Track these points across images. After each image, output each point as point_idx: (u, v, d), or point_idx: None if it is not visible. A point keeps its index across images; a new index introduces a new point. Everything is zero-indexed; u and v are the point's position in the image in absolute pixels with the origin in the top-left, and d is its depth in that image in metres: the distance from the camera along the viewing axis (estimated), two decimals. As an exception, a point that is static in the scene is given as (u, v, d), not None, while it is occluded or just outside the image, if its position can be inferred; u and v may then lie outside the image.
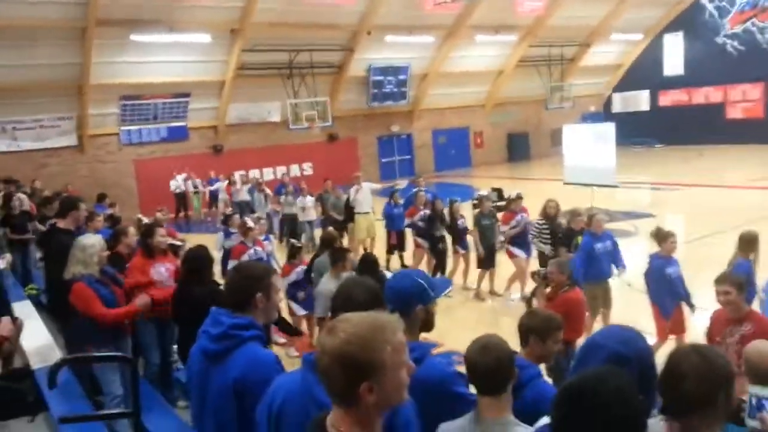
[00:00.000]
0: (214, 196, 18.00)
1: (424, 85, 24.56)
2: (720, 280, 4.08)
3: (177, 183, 18.21)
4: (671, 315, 5.75)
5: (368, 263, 5.49)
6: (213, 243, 7.88)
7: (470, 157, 27.62)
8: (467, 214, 10.17)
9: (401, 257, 10.64)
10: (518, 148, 28.42)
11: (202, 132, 20.51)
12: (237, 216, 8.96)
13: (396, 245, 10.56)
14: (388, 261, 10.53)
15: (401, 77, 23.38)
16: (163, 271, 5.10)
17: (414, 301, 2.27)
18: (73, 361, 4.26)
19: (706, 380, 1.67)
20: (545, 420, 1.97)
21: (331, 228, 8.99)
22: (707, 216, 12.70)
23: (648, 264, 6.02)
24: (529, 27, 24.41)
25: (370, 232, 11.27)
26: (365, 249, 11.42)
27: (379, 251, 10.16)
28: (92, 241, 4.46)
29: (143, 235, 5.35)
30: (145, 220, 8.48)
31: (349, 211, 11.41)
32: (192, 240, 8.00)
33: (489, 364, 2.20)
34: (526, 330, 2.88)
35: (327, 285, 5.58)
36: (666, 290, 5.77)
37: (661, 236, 5.94)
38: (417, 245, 9.71)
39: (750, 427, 2.15)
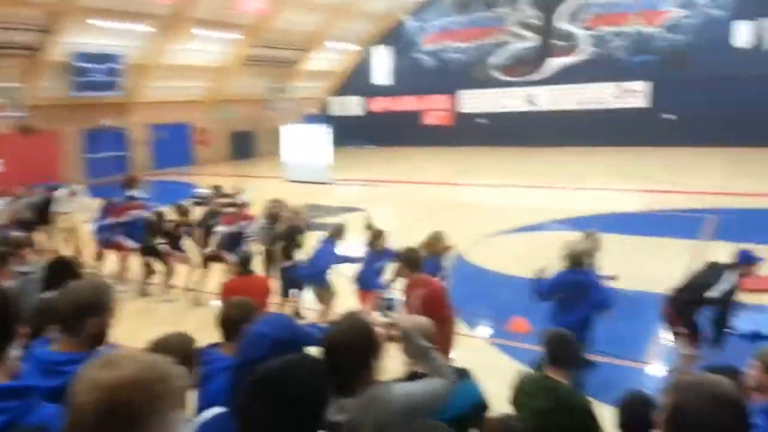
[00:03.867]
0: None
1: (141, 76, 22.87)
2: None
3: None
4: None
5: (56, 269, 4.85)
6: None
7: (193, 154, 26.66)
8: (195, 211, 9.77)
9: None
10: (242, 147, 28.44)
11: None
12: None
13: (111, 248, 9.49)
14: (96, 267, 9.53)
15: (112, 66, 21.34)
16: None
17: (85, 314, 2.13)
18: None
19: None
20: (216, 410, 2.01)
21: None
22: (409, 208, 14.41)
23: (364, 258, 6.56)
24: (252, 27, 24.56)
25: (71, 234, 10.06)
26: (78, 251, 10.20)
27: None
28: None
29: None
30: None
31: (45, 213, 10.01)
32: None
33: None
34: (232, 322, 2.72)
35: None
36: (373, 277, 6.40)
37: (375, 234, 6.51)
38: (123, 248, 8.99)
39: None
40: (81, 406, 1.18)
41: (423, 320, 3.05)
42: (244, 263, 5.75)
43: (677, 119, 23.70)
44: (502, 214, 13.05)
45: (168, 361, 1.32)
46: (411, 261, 4.98)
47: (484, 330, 6.79)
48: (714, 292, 4.95)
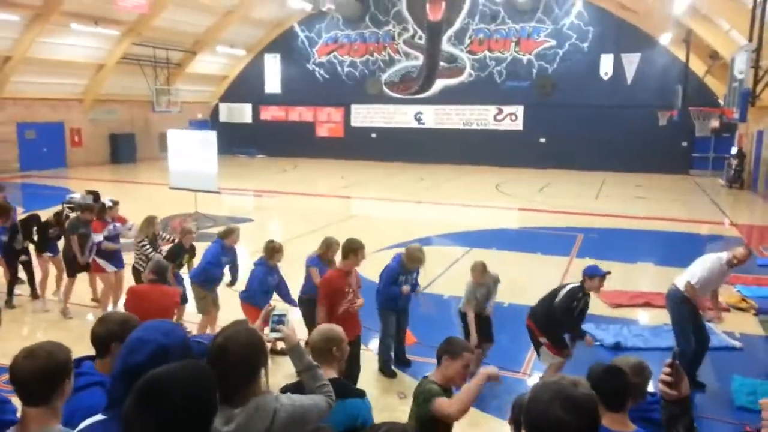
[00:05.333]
0: None
1: (7, 69, 20.95)
2: None
3: None
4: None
5: None
6: None
7: (66, 156, 24.76)
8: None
9: None
10: (123, 150, 26.80)
11: None
12: None
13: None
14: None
15: (-28, 56, 19.41)
16: None
17: None
18: None
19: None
20: (95, 418, 1.95)
21: None
22: (300, 219, 14.36)
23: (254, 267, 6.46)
24: (132, 24, 23.34)
25: None
26: None
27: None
28: None
29: None
30: None
31: None
32: None
33: (36, 370, 2.04)
34: (103, 338, 2.56)
35: None
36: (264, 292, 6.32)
37: (271, 249, 6.41)
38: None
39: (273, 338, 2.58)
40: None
41: (327, 328, 3.14)
42: (159, 272, 5.56)
43: (546, 142, 25.67)
44: (391, 228, 13.41)
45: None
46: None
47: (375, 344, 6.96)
48: (561, 301, 5.38)
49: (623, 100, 24.30)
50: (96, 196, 11.82)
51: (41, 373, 2.04)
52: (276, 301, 6.02)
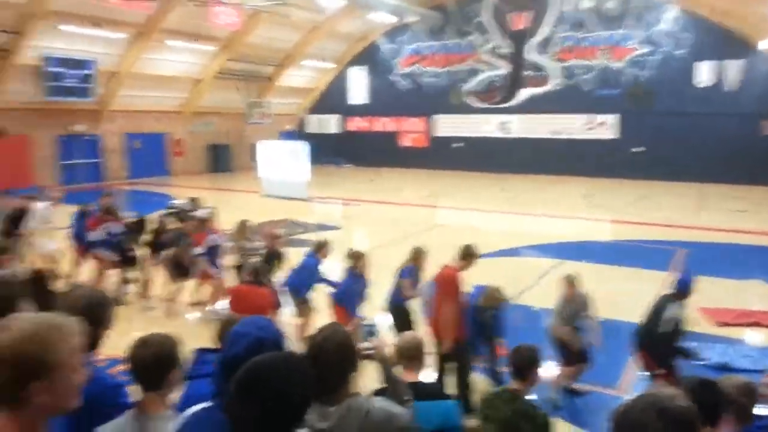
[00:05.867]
0: None
1: (114, 83, 22.65)
2: None
3: None
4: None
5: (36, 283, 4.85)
6: None
7: (168, 164, 26.40)
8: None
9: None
10: (220, 159, 28.28)
11: None
12: None
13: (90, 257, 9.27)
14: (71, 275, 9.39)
15: (85, 72, 21.11)
16: None
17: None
18: None
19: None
20: (198, 406, 2.08)
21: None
22: (385, 228, 14.53)
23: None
24: (226, 40, 24.59)
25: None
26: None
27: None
28: None
29: None
30: None
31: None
32: None
33: (148, 358, 2.25)
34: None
35: None
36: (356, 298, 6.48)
37: (356, 256, 6.56)
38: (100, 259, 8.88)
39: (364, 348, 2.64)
40: None
41: (412, 336, 3.23)
42: (257, 273, 5.81)
43: (639, 152, 24.53)
44: (478, 238, 13.26)
45: (59, 315, 1.51)
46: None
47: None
48: (665, 326, 5.12)
49: (722, 108, 22.85)
50: (196, 201, 12.52)
51: (152, 362, 2.24)
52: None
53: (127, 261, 8.80)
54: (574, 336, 5.67)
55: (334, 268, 7.52)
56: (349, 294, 6.37)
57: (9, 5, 17.53)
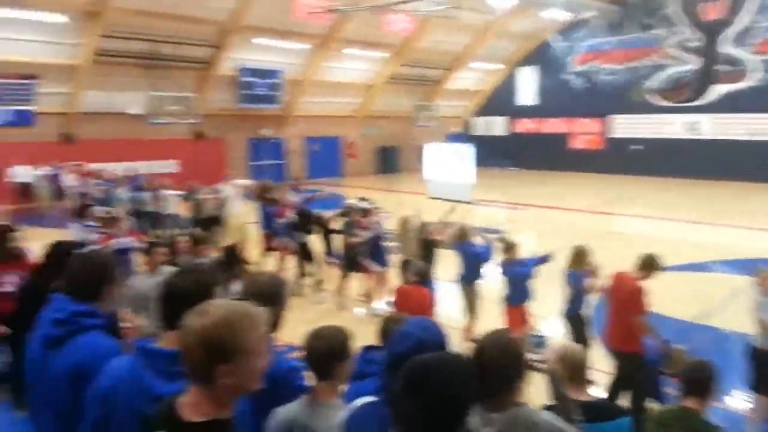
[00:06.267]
0: (59, 187, 16.47)
1: (297, 91, 24.53)
2: None
3: (20, 171, 16.44)
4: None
5: (229, 255, 5.47)
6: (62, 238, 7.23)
7: (342, 166, 27.98)
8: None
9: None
10: (388, 161, 29.32)
11: (52, 119, 18.79)
12: (96, 208, 8.24)
13: (273, 248, 10.10)
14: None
15: (273, 81, 23.17)
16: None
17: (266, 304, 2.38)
18: None
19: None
20: (364, 399, 2.13)
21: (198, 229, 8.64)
22: (553, 234, 13.94)
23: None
24: (399, 46, 25.36)
25: (242, 234, 11.00)
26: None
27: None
28: None
29: None
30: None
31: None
32: (39, 236, 7.27)
33: (320, 349, 2.35)
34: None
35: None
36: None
37: (507, 246, 6.62)
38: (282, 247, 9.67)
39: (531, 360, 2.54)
40: (186, 349, 1.52)
41: (576, 349, 3.03)
42: (421, 274, 5.94)
43: None
44: (659, 249, 12.18)
45: (249, 304, 1.64)
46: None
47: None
48: None
49: None
50: (367, 202, 13.08)
51: (325, 353, 2.35)
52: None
53: (305, 255, 9.46)
54: None
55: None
56: (515, 284, 6.35)
57: (212, 22, 19.82)
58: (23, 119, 18.05)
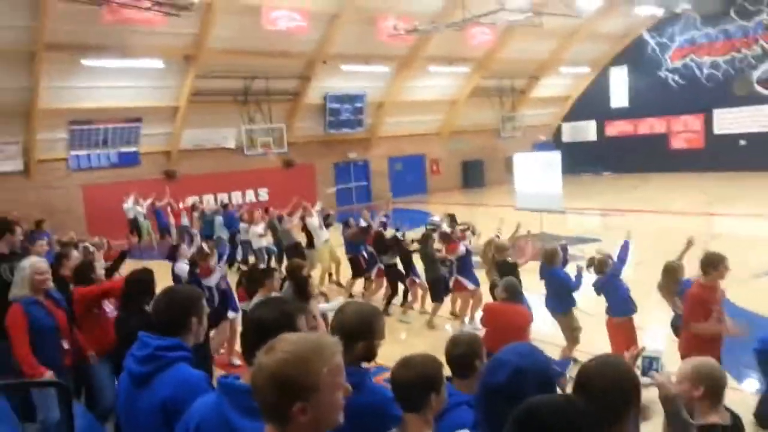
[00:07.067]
0: (162, 222, 17.42)
1: (380, 113, 24.88)
2: None
3: (129, 206, 17.55)
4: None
5: (296, 281, 5.54)
6: (165, 270, 7.70)
7: (426, 183, 27.97)
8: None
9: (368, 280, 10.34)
10: (473, 175, 28.93)
11: (155, 157, 20.22)
12: (184, 246, 8.35)
13: (362, 270, 10.24)
14: (351, 285, 10.56)
15: (357, 105, 23.65)
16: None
17: (358, 337, 2.36)
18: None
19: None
20: (461, 431, 2.04)
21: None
22: (652, 241, 13.14)
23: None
24: (481, 59, 25.09)
25: (333, 258, 11.26)
26: (330, 276, 11.42)
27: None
28: (25, 264, 4.44)
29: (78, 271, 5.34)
30: (90, 247, 8.19)
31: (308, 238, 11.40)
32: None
33: (410, 379, 2.23)
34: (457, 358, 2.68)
35: None
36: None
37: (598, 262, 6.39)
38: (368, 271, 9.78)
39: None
40: (257, 388, 1.49)
41: (712, 364, 2.72)
42: (511, 290, 5.74)
43: None
44: (765, 252, 11.18)
45: (321, 336, 1.61)
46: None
47: (752, 383, 5.86)
48: None
49: None
50: (452, 218, 12.96)
51: (412, 384, 2.23)
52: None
53: (392, 276, 9.48)
54: None
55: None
56: (615, 297, 6.09)
57: (299, 54, 20.58)
58: (131, 160, 19.54)
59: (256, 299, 5.43)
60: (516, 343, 2.10)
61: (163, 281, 7.54)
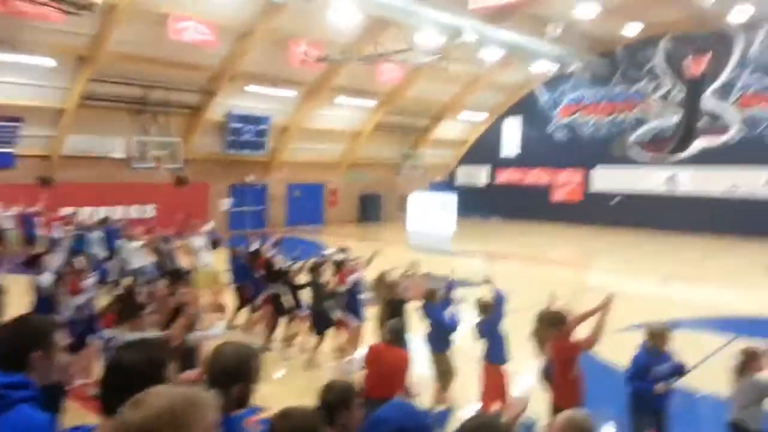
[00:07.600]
0: (29, 231, 16.05)
1: (284, 137, 24.68)
2: None
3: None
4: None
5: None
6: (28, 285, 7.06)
7: (323, 213, 27.95)
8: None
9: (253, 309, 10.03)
10: (370, 209, 29.28)
11: (32, 161, 18.67)
12: (49, 257, 7.56)
13: (249, 299, 9.93)
14: (235, 317, 10.17)
15: (261, 127, 23.30)
16: None
17: (235, 380, 2.28)
18: None
19: None
20: None
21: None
22: (531, 288, 13.86)
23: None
24: (388, 95, 25.77)
25: (215, 283, 10.83)
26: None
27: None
28: None
29: None
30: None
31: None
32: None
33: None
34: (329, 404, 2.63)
35: None
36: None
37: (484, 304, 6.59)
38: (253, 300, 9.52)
39: None
40: None
41: (581, 417, 2.76)
42: (394, 333, 5.77)
43: None
44: (637, 305, 12.17)
45: (195, 391, 1.46)
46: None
47: (610, 433, 6.27)
48: None
49: None
50: (346, 252, 12.96)
51: None
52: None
53: (276, 308, 9.25)
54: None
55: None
56: (495, 342, 6.28)
57: (205, 68, 20.06)
58: (4, 162, 17.91)
59: (124, 332, 5.11)
60: (399, 401, 2.12)
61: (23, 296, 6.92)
